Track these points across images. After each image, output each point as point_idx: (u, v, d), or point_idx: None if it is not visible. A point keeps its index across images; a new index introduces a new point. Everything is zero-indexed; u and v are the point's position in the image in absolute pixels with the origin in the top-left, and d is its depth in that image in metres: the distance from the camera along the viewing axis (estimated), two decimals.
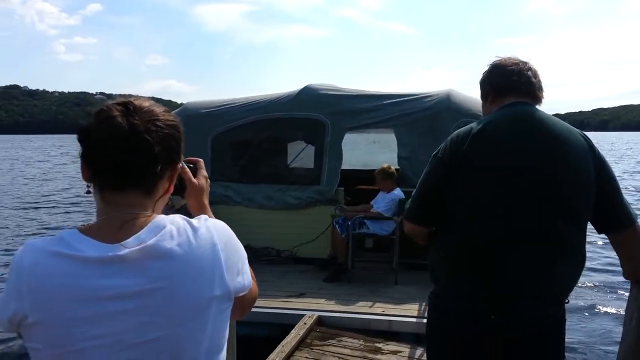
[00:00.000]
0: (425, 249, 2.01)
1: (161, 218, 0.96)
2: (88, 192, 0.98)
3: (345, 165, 6.50)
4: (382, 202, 5.52)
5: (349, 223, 5.40)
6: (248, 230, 6.45)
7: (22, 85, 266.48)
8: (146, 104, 0.98)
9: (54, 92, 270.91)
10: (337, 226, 5.53)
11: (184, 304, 0.91)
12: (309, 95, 6.47)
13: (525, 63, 1.87)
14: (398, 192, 5.51)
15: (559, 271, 1.74)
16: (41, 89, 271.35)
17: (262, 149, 6.75)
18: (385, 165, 5.68)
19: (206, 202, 1.18)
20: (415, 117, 6.00)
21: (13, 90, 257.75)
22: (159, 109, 0.99)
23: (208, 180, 1.22)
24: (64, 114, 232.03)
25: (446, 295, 1.85)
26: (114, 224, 0.92)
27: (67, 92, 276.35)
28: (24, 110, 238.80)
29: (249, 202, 6.46)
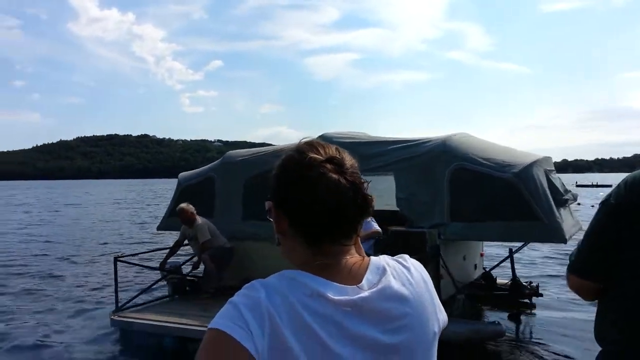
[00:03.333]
0: None
1: (376, 259, 0.97)
2: (278, 244, 0.99)
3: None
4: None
5: None
6: (273, 264, 7.09)
7: (151, 135, 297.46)
8: (339, 154, 0.96)
9: (178, 140, 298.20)
10: None
11: (420, 342, 0.93)
12: None
13: None
14: (371, 223, 5.89)
15: None
16: (167, 137, 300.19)
17: None
18: None
19: None
20: (413, 162, 6.32)
21: (144, 139, 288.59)
22: (347, 156, 0.97)
23: None
24: (186, 160, 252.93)
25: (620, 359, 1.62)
26: (341, 268, 0.92)
27: (189, 140, 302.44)
28: (152, 157, 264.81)
29: (273, 239, 7.12)
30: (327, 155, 0.94)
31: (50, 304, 8.48)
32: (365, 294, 0.89)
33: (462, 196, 5.97)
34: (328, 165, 0.92)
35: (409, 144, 6.60)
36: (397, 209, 6.86)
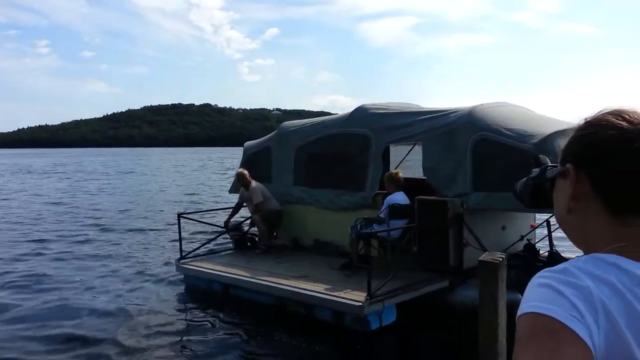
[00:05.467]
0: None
1: None
2: (569, 210, 0.83)
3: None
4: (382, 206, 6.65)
5: (358, 226, 6.59)
6: (318, 226, 7.91)
7: (213, 104, 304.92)
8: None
9: (238, 109, 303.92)
10: (350, 229, 6.75)
11: None
12: (360, 114, 7.69)
13: None
14: (393, 197, 6.58)
15: None
16: (228, 106, 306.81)
17: (325, 159, 8.05)
18: (393, 172, 6.81)
19: None
20: (439, 132, 6.69)
21: (206, 108, 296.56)
22: None
23: None
24: (247, 128, 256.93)
25: None
26: None
27: (249, 108, 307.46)
28: (214, 125, 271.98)
29: (317, 203, 7.91)
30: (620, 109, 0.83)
31: (131, 254, 10.11)
32: None
33: (485, 166, 6.21)
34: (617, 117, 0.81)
35: (437, 114, 6.93)
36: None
